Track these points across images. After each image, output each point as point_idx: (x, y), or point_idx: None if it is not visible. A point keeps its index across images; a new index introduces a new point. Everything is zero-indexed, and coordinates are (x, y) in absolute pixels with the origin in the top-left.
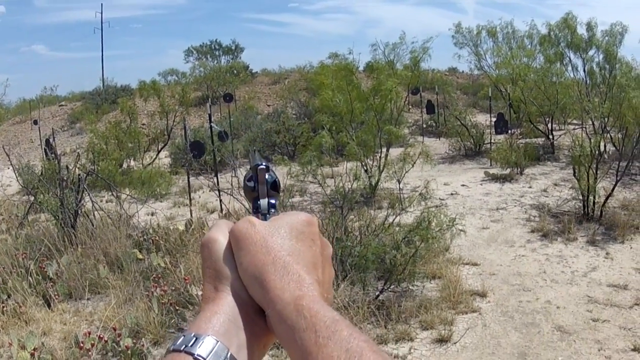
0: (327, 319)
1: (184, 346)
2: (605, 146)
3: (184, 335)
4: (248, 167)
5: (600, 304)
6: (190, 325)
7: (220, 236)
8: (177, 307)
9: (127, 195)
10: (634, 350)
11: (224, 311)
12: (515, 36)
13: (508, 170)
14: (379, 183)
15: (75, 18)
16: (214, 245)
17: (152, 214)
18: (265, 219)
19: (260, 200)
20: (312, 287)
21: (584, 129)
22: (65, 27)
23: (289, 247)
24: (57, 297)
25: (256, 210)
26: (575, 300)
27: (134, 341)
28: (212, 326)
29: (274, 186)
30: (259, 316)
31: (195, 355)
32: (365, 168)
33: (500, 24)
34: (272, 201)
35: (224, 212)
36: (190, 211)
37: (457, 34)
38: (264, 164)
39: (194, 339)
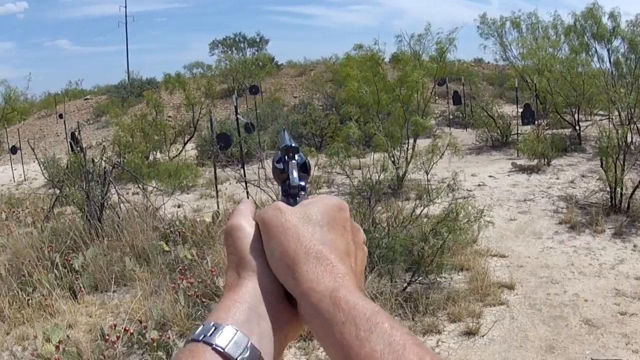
0: (366, 311)
1: (202, 336)
2: (632, 137)
3: (203, 325)
4: (277, 150)
5: (628, 297)
6: (210, 314)
7: (244, 222)
8: (204, 299)
9: (154, 187)
10: None
11: (244, 299)
12: (539, 27)
13: (535, 162)
14: (407, 174)
15: (98, 12)
16: (238, 233)
17: (179, 206)
18: (295, 202)
19: (290, 182)
20: (347, 278)
21: (610, 119)
22: (88, 21)
23: (321, 236)
24: (82, 289)
25: (286, 193)
26: (603, 293)
27: (160, 334)
28: (232, 315)
29: (304, 167)
30: (283, 304)
31: (214, 345)
32: (392, 159)
33: (523, 15)
34: (302, 183)
35: None
36: (217, 203)
37: (482, 24)
38: (293, 144)
39: (213, 328)
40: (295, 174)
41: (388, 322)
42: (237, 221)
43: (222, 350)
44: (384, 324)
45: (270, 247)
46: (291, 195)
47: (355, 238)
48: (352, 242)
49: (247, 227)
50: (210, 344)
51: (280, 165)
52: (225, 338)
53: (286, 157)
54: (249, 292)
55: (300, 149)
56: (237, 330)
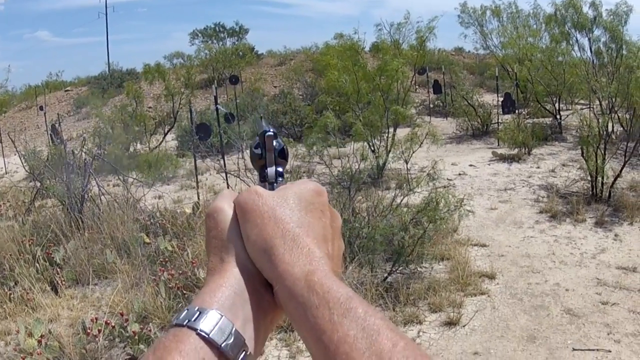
0: (340, 295)
1: (186, 320)
2: (613, 126)
3: (187, 309)
4: (256, 136)
5: (610, 287)
6: (194, 299)
7: (225, 206)
8: (185, 291)
9: (134, 178)
10: None
11: (229, 284)
12: (519, 16)
13: (516, 151)
14: (387, 163)
15: (78, 3)
16: (220, 215)
17: (159, 198)
18: (272, 187)
19: (268, 168)
20: (323, 262)
21: (591, 109)
22: (68, 12)
23: (298, 219)
24: (64, 283)
25: (263, 179)
26: (584, 282)
27: (141, 326)
28: (217, 300)
29: (282, 154)
30: (266, 289)
31: (198, 330)
32: (372, 148)
33: (504, 4)
34: (280, 169)
35: None
36: (198, 194)
37: (462, 13)
38: (271, 130)
39: (198, 313)
40: (272, 159)
41: (362, 307)
42: (220, 204)
43: (206, 336)
44: (357, 308)
45: (246, 230)
46: (269, 181)
47: (333, 224)
48: (330, 227)
49: (227, 209)
50: (195, 329)
51: (259, 151)
52: (209, 323)
53: (264, 142)
54: (233, 277)
55: (279, 135)
56: (221, 316)
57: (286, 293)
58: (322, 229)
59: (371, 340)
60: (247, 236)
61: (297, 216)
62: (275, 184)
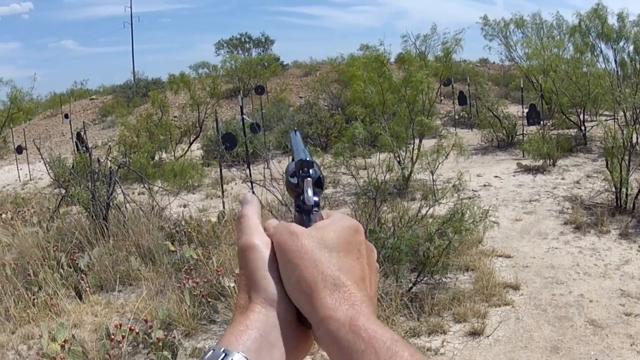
0: (385, 339)
1: None
2: (637, 138)
3: (213, 350)
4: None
5: (633, 298)
6: (221, 339)
7: (257, 241)
8: (209, 299)
9: (159, 187)
10: None
11: (256, 326)
12: (543, 27)
13: (540, 162)
14: (412, 174)
15: (103, 13)
16: (251, 254)
17: (185, 206)
18: (309, 218)
19: (305, 200)
20: (365, 305)
21: (616, 120)
22: (93, 22)
23: (338, 261)
24: (88, 289)
25: (299, 209)
26: (608, 293)
27: (166, 333)
28: (244, 342)
29: (318, 182)
30: (293, 331)
31: None
32: (398, 159)
33: (527, 15)
34: (316, 199)
35: None
36: (223, 203)
37: (485, 26)
38: (308, 158)
39: (223, 354)
40: (310, 192)
41: (407, 351)
42: (251, 240)
43: None
44: (403, 352)
45: (286, 272)
46: (305, 211)
47: (369, 260)
48: (367, 265)
49: (261, 247)
50: None
51: (294, 180)
52: None
53: (300, 171)
54: (260, 319)
55: (316, 162)
56: (247, 359)
57: (329, 338)
58: (360, 270)
59: None
60: (287, 278)
61: (337, 258)
62: (311, 215)
